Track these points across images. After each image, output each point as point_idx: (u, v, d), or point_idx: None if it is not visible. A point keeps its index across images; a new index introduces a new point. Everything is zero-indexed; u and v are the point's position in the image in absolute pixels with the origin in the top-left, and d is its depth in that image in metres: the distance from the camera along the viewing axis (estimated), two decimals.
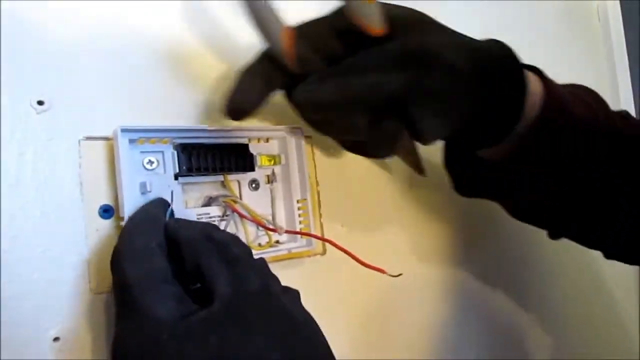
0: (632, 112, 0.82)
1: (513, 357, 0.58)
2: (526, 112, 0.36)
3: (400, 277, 0.46)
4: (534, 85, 0.37)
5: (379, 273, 0.36)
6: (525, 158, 0.39)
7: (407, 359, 0.49)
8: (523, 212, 0.47)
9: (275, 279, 0.31)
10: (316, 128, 0.38)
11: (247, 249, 0.31)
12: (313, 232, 0.40)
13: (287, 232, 0.39)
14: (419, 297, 0.51)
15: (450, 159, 0.44)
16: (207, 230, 0.31)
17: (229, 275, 0.28)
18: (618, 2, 0.83)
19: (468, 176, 0.44)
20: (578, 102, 0.40)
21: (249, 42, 0.42)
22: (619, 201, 0.43)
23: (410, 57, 0.33)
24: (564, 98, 0.39)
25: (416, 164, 0.47)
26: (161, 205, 0.33)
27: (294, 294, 0.31)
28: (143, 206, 0.33)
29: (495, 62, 0.35)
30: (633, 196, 0.43)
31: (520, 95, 0.36)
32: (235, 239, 0.31)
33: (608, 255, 0.50)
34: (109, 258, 0.31)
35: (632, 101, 0.83)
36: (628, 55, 0.82)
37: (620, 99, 0.81)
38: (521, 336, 0.60)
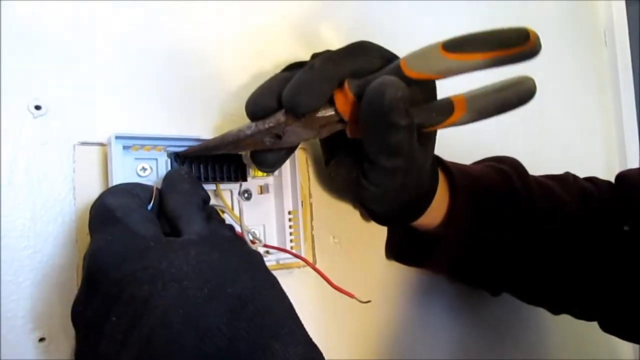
0: (635, 129, 0.82)
1: None
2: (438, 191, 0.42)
3: (390, 284, 0.47)
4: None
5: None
6: (454, 226, 0.44)
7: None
8: (462, 274, 0.52)
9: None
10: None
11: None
12: (303, 245, 0.41)
13: (265, 246, 0.39)
14: (407, 306, 0.51)
15: (392, 233, 0.49)
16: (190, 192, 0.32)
17: (205, 223, 0.30)
18: (626, 27, 0.83)
19: (407, 247, 0.48)
20: (486, 171, 0.46)
21: (249, 52, 0.42)
22: (544, 258, 0.47)
23: None
24: (467, 172, 0.44)
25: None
26: (150, 186, 0.33)
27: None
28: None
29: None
30: (556, 255, 0.47)
31: (433, 188, 0.41)
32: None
33: (554, 311, 0.53)
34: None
35: (636, 118, 0.83)
36: (633, 79, 0.83)
37: (623, 123, 0.81)
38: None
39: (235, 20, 0.42)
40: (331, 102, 0.33)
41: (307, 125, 0.33)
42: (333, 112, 0.33)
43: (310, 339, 0.28)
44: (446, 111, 0.33)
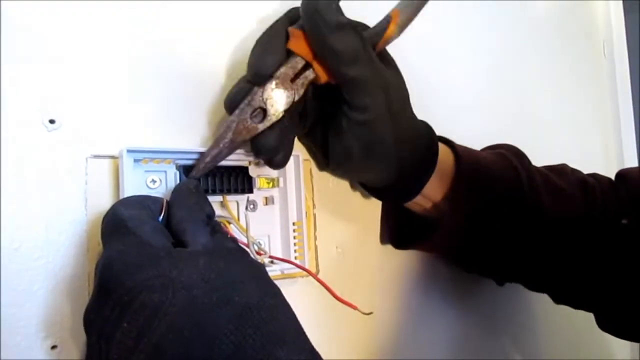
0: (634, 141, 0.83)
1: None
2: (440, 170, 0.43)
3: (392, 294, 0.47)
4: (444, 151, 0.44)
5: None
6: (454, 210, 0.44)
7: None
8: (461, 261, 0.53)
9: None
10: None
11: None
12: (307, 255, 0.42)
13: (270, 257, 0.40)
14: (410, 316, 0.52)
15: (388, 216, 0.49)
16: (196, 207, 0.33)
17: (210, 236, 0.31)
18: (624, 38, 0.84)
19: (404, 230, 0.49)
20: (495, 159, 0.46)
21: None
22: (545, 247, 0.47)
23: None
24: (476, 158, 0.45)
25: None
26: (159, 199, 0.34)
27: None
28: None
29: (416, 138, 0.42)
30: (556, 244, 0.47)
31: (432, 156, 0.43)
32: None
33: (555, 300, 0.54)
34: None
35: (634, 130, 0.84)
36: (632, 89, 0.84)
37: (621, 130, 0.82)
38: None
39: (247, 40, 0.43)
40: (289, 55, 0.36)
41: (281, 85, 0.35)
42: (296, 59, 0.36)
43: (313, 347, 0.29)
44: (385, 22, 0.38)
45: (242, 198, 0.41)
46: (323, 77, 0.37)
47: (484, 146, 0.54)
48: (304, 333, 0.29)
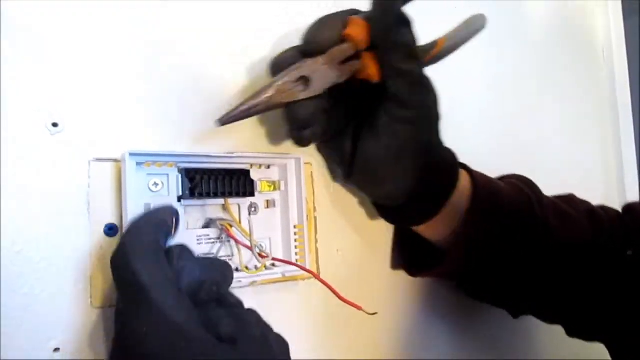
0: (633, 146, 0.84)
1: None
2: (457, 194, 0.43)
3: (393, 296, 0.47)
4: (462, 174, 0.44)
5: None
6: (467, 239, 0.44)
7: None
8: (479, 293, 0.52)
9: (269, 328, 0.32)
10: None
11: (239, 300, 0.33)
12: (308, 258, 0.42)
13: (273, 259, 0.40)
14: (411, 318, 0.52)
15: (400, 243, 0.50)
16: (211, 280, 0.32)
17: (231, 319, 0.30)
18: (624, 43, 0.84)
19: (416, 258, 0.49)
20: (510, 190, 0.46)
21: (259, 70, 0.44)
22: (565, 280, 0.47)
23: None
24: (492, 186, 0.45)
25: None
26: (169, 213, 0.34)
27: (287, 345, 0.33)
28: (153, 209, 0.35)
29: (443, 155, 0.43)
30: (571, 277, 0.47)
31: (452, 180, 0.43)
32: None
33: (569, 332, 0.53)
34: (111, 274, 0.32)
35: (633, 135, 0.84)
36: (631, 93, 0.84)
37: (620, 134, 0.82)
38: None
39: (250, 47, 0.43)
40: (344, 41, 0.37)
41: (328, 62, 0.37)
42: (348, 45, 0.37)
43: None
44: (430, 46, 0.40)
45: (244, 201, 0.41)
46: (369, 69, 0.37)
47: (483, 155, 0.54)
48: None
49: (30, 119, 0.34)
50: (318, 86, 0.37)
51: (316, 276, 0.40)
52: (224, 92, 0.42)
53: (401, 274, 0.51)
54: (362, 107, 0.40)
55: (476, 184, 0.44)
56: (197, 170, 0.38)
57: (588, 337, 0.53)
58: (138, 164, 0.36)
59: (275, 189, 0.42)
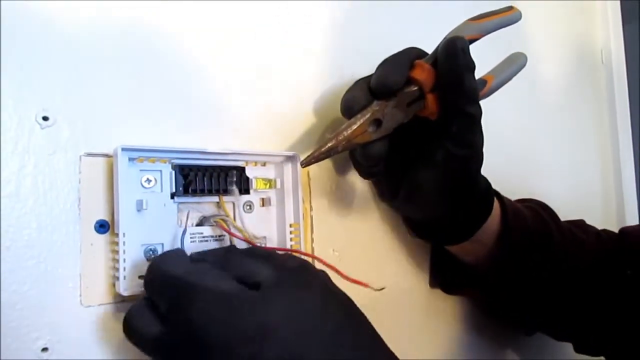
0: (630, 154, 0.84)
1: None
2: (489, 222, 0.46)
3: (388, 297, 0.46)
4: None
5: (366, 289, 0.38)
6: (496, 264, 0.47)
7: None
8: (498, 312, 0.56)
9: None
10: None
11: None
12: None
13: (275, 249, 0.40)
14: (409, 319, 0.51)
15: (438, 264, 0.53)
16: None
17: (267, 265, 0.33)
18: (622, 47, 0.84)
19: (453, 277, 0.52)
20: (531, 215, 0.50)
21: (258, 64, 0.43)
22: (576, 300, 0.51)
23: None
24: (519, 212, 0.48)
25: None
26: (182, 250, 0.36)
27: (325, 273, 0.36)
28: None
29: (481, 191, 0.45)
30: (580, 296, 0.51)
31: (488, 206, 0.46)
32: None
33: (577, 349, 0.57)
34: (102, 272, 0.33)
35: (630, 139, 0.84)
36: (629, 96, 0.84)
37: (619, 139, 0.82)
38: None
39: (246, 44, 0.43)
40: (410, 83, 0.40)
41: (397, 105, 0.39)
42: (415, 87, 0.39)
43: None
44: (480, 84, 0.42)
45: (239, 199, 0.40)
46: (431, 109, 0.40)
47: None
48: (380, 340, 0.34)
49: (20, 112, 0.33)
50: (388, 126, 0.39)
51: (320, 259, 0.39)
52: (219, 87, 0.41)
53: (400, 274, 0.51)
54: (416, 140, 0.43)
55: (505, 208, 0.47)
56: (191, 167, 0.37)
57: (594, 352, 0.56)
58: (130, 159, 0.35)
59: (270, 187, 0.42)
